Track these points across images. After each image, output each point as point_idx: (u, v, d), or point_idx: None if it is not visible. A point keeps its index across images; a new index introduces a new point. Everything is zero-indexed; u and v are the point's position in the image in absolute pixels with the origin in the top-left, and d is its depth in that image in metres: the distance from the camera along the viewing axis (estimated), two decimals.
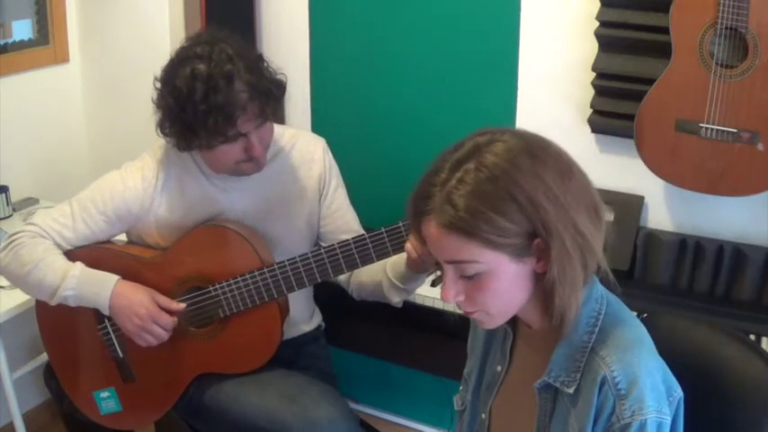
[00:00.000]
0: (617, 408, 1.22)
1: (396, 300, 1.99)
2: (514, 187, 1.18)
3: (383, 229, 1.84)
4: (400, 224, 1.83)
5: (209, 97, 1.80)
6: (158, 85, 1.90)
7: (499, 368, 1.42)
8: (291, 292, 1.93)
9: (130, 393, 2.05)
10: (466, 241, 1.19)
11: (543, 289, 1.24)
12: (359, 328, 2.50)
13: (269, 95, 1.87)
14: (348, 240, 1.87)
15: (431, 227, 1.21)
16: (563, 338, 1.28)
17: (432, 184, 1.21)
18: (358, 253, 1.87)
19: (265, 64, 1.92)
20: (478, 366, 1.48)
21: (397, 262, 1.92)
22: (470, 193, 1.18)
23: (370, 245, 1.85)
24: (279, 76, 1.94)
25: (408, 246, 1.80)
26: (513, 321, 1.38)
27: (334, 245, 1.88)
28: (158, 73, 1.90)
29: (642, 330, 1.30)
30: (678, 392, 1.28)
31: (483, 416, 1.45)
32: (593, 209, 1.24)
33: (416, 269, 1.87)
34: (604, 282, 1.31)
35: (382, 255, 1.86)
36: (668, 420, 1.24)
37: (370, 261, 1.88)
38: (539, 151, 1.22)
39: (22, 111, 2.80)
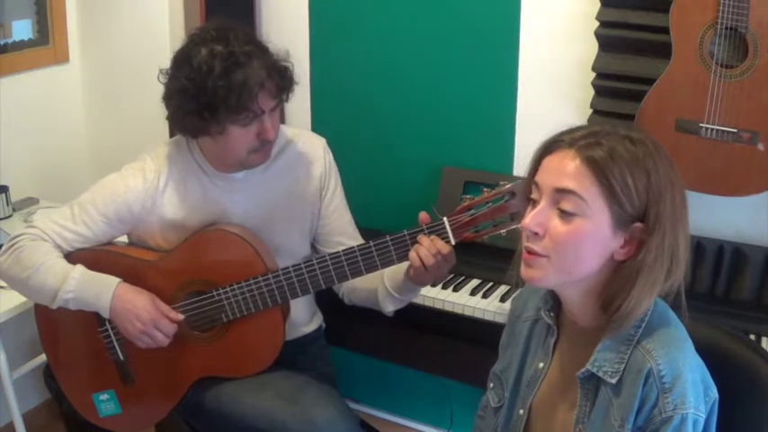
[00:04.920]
0: (660, 401, 1.24)
1: (389, 309, 1.99)
2: (652, 167, 1.26)
3: (388, 237, 1.83)
4: (405, 232, 1.82)
5: (230, 73, 1.81)
6: (169, 72, 1.89)
7: (541, 365, 1.44)
8: (295, 297, 1.93)
9: (130, 396, 2.04)
10: (589, 177, 1.25)
11: (623, 275, 1.28)
12: (359, 328, 2.49)
13: (283, 76, 1.91)
14: (353, 248, 1.86)
15: (565, 156, 1.28)
16: (611, 332, 1.30)
17: (580, 129, 1.31)
18: (363, 260, 1.86)
19: (274, 55, 1.94)
20: (518, 363, 1.49)
21: (395, 272, 1.92)
22: (617, 144, 1.27)
23: (374, 253, 1.85)
24: (287, 64, 1.95)
25: (413, 254, 1.80)
26: (558, 319, 1.43)
27: (338, 252, 1.87)
28: (165, 66, 1.90)
29: (685, 331, 1.33)
30: (714, 393, 1.30)
31: (521, 412, 1.46)
32: (689, 239, 1.32)
33: (417, 280, 1.86)
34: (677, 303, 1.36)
35: (387, 263, 1.86)
36: (703, 419, 1.26)
37: (375, 269, 1.87)
38: (675, 165, 1.31)
39: (22, 111, 2.81)
